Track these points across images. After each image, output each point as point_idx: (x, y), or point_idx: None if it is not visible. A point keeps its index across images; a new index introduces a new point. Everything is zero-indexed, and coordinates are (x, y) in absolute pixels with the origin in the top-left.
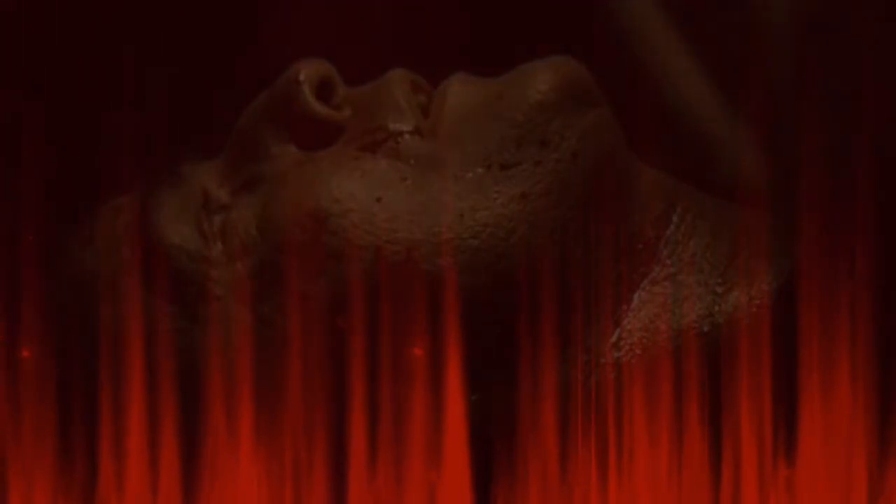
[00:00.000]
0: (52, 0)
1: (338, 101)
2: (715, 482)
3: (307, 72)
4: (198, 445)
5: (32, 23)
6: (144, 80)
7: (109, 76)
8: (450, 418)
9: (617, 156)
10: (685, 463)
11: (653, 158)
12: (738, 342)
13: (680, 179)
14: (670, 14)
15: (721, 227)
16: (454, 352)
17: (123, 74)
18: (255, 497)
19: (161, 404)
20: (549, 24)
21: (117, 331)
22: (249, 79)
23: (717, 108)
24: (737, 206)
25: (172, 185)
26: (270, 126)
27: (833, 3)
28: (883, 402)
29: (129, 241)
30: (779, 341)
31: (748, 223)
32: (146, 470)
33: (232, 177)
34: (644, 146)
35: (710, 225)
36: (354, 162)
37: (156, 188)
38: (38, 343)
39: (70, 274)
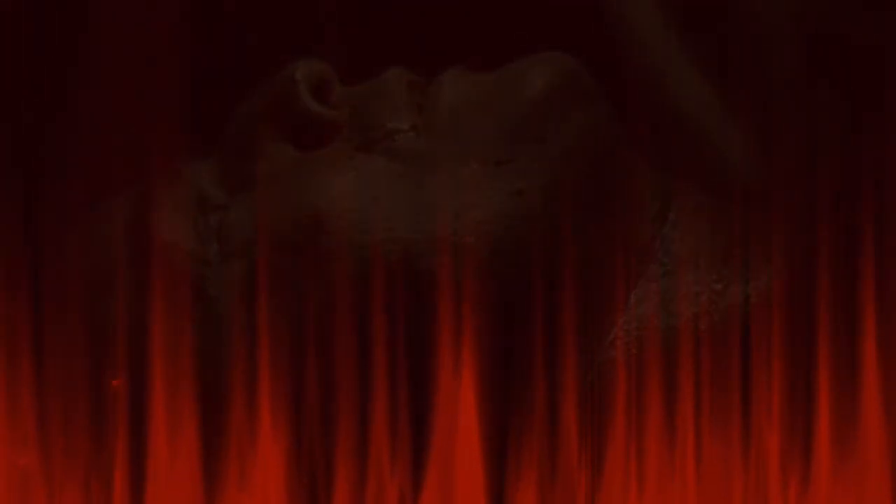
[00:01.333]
0: (51, 0)
1: (334, 100)
2: (717, 481)
3: (304, 71)
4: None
5: (32, 22)
6: (143, 79)
7: (108, 75)
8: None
9: (613, 153)
10: (684, 462)
11: (649, 157)
12: (734, 339)
13: (676, 178)
14: (669, 14)
15: (717, 225)
16: (467, 351)
17: (123, 74)
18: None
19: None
20: (549, 24)
21: (115, 329)
22: (248, 78)
23: (715, 108)
24: (733, 204)
25: (169, 185)
26: (267, 125)
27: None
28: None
29: (127, 241)
30: (776, 338)
31: (744, 221)
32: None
33: (228, 176)
34: (641, 144)
35: (706, 223)
36: (351, 161)
37: (153, 187)
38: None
39: (69, 273)
